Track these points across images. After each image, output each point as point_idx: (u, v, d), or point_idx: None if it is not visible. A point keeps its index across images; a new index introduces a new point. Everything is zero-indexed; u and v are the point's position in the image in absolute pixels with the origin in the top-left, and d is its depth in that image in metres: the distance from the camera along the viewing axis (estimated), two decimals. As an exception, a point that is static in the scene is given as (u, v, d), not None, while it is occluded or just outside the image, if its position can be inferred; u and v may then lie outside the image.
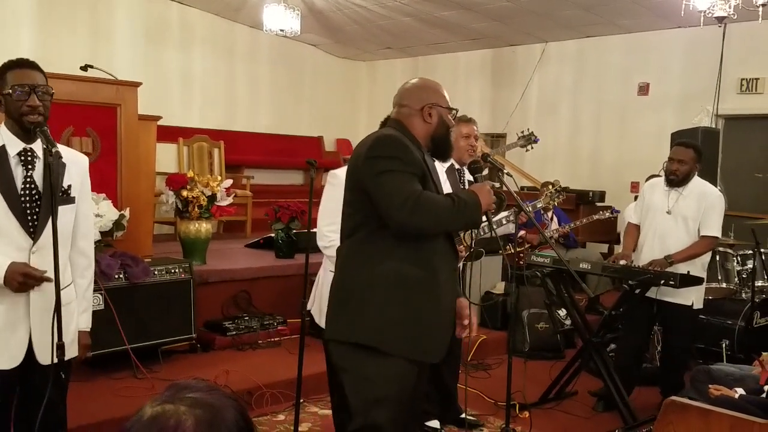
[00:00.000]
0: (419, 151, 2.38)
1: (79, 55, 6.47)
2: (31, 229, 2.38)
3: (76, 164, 2.54)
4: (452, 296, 2.44)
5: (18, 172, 2.38)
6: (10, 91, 2.34)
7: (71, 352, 2.58)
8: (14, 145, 2.38)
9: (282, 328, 5.02)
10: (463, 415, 4.01)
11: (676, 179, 4.15)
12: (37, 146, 2.42)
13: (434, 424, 3.86)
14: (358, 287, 2.35)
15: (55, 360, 2.31)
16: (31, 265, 2.35)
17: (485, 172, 2.42)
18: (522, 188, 7.09)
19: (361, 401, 2.34)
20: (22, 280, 2.31)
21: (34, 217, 2.39)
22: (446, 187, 3.77)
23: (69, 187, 2.47)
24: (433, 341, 2.38)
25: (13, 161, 2.38)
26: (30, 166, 2.40)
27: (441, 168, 3.79)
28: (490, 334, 5.44)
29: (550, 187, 4.59)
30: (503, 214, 3.98)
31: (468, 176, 3.96)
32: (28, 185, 2.39)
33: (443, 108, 2.46)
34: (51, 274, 2.30)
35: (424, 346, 2.36)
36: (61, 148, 2.46)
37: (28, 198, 2.38)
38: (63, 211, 2.43)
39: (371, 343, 2.31)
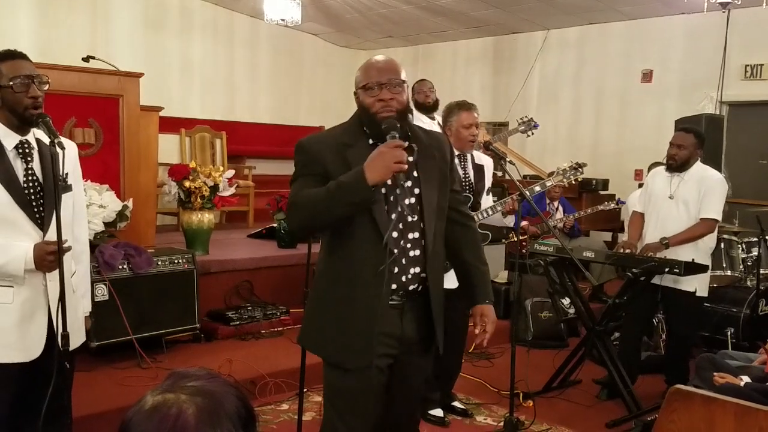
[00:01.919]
0: (360, 139, 2.19)
1: (78, 45, 6.47)
2: (39, 221, 2.39)
3: (68, 152, 2.52)
4: (373, 297, 2.14)
5: (18, 166, 2.37)
6: (11, 83, 2.31)
7: (80, 339, 2.59)
8: (10, 138, 2.37)
9: (284, 318, 5.02)
10: (455, 403, 4.02)
11: (674, 164, 4.13)
12: (31, 137, 2.42)
13: (437, 412, 3.87)
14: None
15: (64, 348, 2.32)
16: (48, 240, 2.35)
17: (393, 133, 2.09)
18: (525, 176, 7.07)
19: (325, 409, 2.35)
20: (53, 258, 2.32)
21: (40, 208, 2.39)
22: None
23: (66, 175, 2.47)
24: (347, 344, 2.18)
25: (11, 155, 2.37)
26: (29, 158, 2.39)
27: None
28: (493, 323, 5.43)
29: (564, 165, 4.22)
30: (489, 200, 3.84)
31: (478, 161, 3.90)
32: (29, 177, 2.38)
33: (359, 89, 2.20)
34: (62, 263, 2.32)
35: (339, 349, 2.20)
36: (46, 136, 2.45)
37: (32, 190, 2.38)
38: (64, 199, 2.43)
39: (305, 346, 2.43)
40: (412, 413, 2.49)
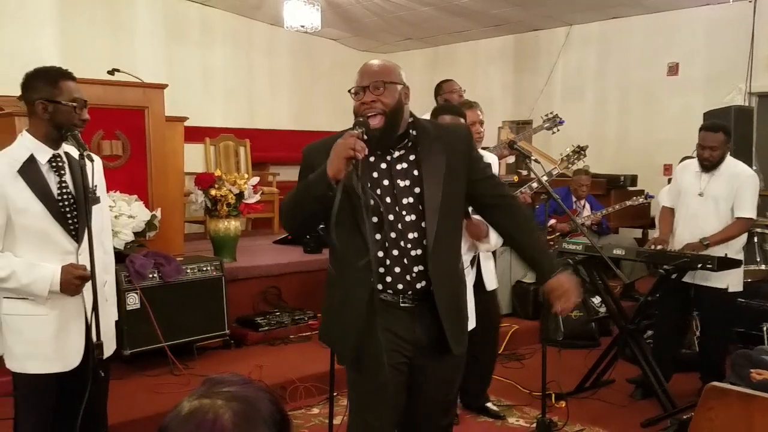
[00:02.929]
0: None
1: (101, 57, 6.55)
2: (73, 233, 2.43)
3: (95, 165, 2.57)
4: (359, 292, 2.18)
5: (51, 179, 2.42)
6: (73, 103, 2.38)
7: (113, 347, 2.63)
8: (43, 153, 2.41)
9: (312, 323, 5.03)
10: (489, 404, 4.00)
11: (709, 165, 4.07)
12: (61, 151, 2.46)
13: None
14: None
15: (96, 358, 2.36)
16: (76, 264, 2.40)
17: (358, 129, 2.10)
18: (550, 175, 7.00)
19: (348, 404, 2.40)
20: (80, 282, 2.36)
21: (75, 220, 2.43)
22: None
23: (95, 187, 2.51)
24: (339, 338, 2.27)
25: (44, 168, 2.41)
26: (62, 171, 2.44)
27: None
28: (522, 324, 5.40)
29: (567, 150, 4.14)
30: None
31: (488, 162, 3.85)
32: (63, 190, 2.42)
33: (351, 94, 2.26)
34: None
35: (335, 344, 2.31)
36: (74, 149, 2.50)
37: (66, 203, 2.42)
38: (95, 211, 2.48)
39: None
40: (437, 420, 2.43)
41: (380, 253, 2.19)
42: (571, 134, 8.12)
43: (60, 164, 2.44)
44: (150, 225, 4.21)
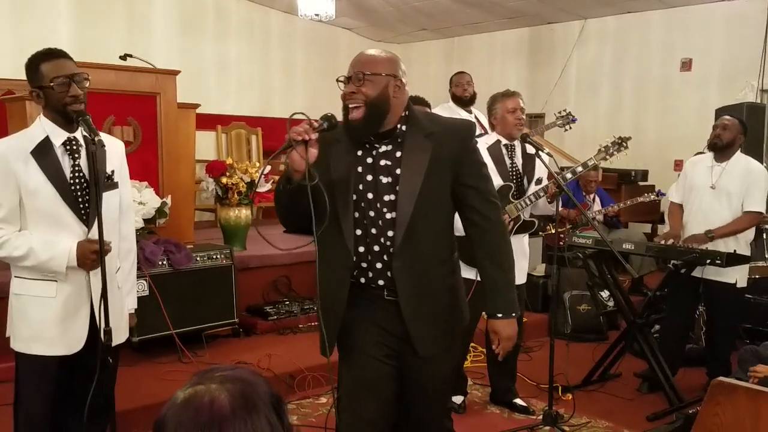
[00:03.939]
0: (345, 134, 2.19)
1: (116, 44, 6.57)
2: (84, 217, 2.44)
3: (115, 150, 2.58)
4: (339, 289, 2.20)
5: (65, 162, 2.42)
6: (51, 83, 2.36)
7: (123, 335, 2.64)
8: (58, 136, 2.42)
9: (322, 312, 5.04)
10: (516, 400, 4.00)
11: (719, 144, 4.07)
12: (79, 134, 2.46)
13: (457, 399, 3.89)
14: None
15: (106, 344, 2.37)
16: (91, 239, 2.41)
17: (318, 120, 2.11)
18: (562, 168, 6.98)
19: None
20: (96, 257, 2.37)
21: (86, 204, 2.44)
22: (487, 164, 3.65)
23: (112, 172, 2.52)
24: (326, 333, 2.21)
25: (59, 151, 2.42)
26: (76, 155, 2.44)
27: (483, 144, 3.70)
28: (530, 317, 5.39)
29: (607, 141, 3.90)
30: (535, 188, 3.77)
31: (529, 150, 3.80)
32: (76, 174, 2.43)
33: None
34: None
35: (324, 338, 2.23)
36: (101, 135, 2.50)
37: (78, 186, 2.43)
38: (109, 196, 2.48)
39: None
40: (430, 416, 2.39)
41: (361, 248, 2.19)
42: (585, 129, 8.09)
43: (75, 147, 2.44)
44: (160, 212, 4.23)
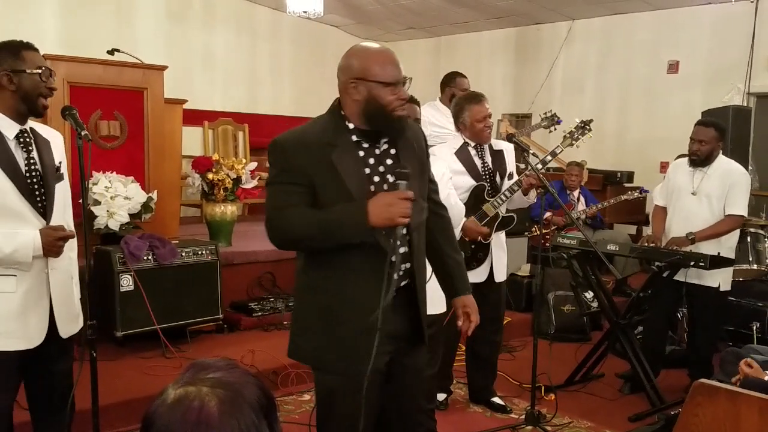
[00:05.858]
0: (342, 135, 2.13)
1: (102, 38, 6.51)
2: (42, 210, 2.39)
3: (57, 142, 2.53)
4: (364, 318, 2.07)
5: (19, 155, 2.36)
6: (38, 71, 2.34)
7: (78, 325, 2.61)
8: (11, 128, 2.36)
9: (307, 309, 5.04)
10: (494, 399, 4.02)
11: (698, 159, 4.10)
12: (27, 126, 2.42)
13: (440, 396, 3.91)
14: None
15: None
16: (54, 225, 2.39)
17: (404, 182, 2.03)
18: (548, 169, 7.02)
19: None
20: (62, 243, 2.36)
21: (43, 198, 2.39)
22: (458, 168, 3.66)
23: (60, 164, 2.49)
24: (340, 354, 2.15)
25: (12, 144, 2.35)
26: (29, 148, 2.39)
27: (449, 149, 3.75)
28: (514, 316, 5.42)
29: (570, 126, 3.96)
30: (508, 183, 3.78)
31: (496, 147, 3.86)
32: (31, 167, 2.38)
33: (372, 82, 2.08)
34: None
35: (343, 357, 2.14)
36: (37, 125, 2.47)
37: (33, 180, 2.38)
38: (59, 187, 2.46)
39: (300, 359, 2.41)
40: (419, 404, 2.43)
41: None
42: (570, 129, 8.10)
43: (27, 140, 2.39)
44: (146, 207, 4.21)
